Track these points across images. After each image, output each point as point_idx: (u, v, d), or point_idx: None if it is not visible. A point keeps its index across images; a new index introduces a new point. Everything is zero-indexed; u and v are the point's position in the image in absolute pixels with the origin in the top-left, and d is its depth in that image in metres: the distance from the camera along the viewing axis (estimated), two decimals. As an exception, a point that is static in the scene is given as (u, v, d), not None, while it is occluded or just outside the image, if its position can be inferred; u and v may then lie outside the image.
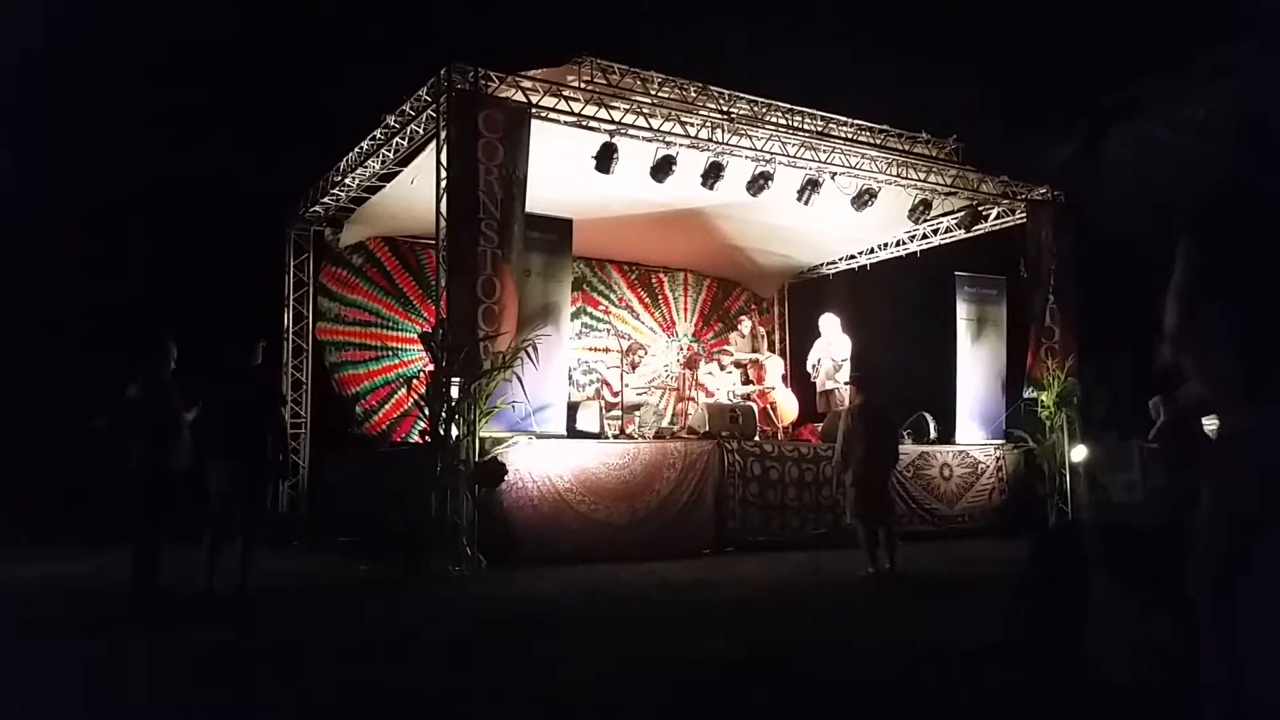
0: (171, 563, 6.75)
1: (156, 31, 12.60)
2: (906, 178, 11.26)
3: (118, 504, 7.13)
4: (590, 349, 14.05)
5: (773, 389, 12.48)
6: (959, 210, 12.28)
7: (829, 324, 12.38)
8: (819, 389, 12.34)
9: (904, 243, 13.77)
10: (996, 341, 12.48)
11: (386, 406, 12.48)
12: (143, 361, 6.94)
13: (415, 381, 10.76)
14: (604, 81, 9.48)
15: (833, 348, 12.22)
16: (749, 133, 10.18)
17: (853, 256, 14.73)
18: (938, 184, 11.52)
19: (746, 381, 12.65)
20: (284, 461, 7.36)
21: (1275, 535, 2.75)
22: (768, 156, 10.27)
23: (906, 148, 11.36)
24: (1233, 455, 2.85)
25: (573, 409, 9.90)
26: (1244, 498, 2.82)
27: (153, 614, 6.23)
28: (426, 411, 8.29)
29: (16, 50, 10.37)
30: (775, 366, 12.87)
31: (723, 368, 12.48)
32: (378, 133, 10.20)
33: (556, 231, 9.42)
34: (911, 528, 10.36)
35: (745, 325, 13.36)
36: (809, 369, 12.52)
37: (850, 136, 10.96)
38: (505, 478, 8.31)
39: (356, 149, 10.66)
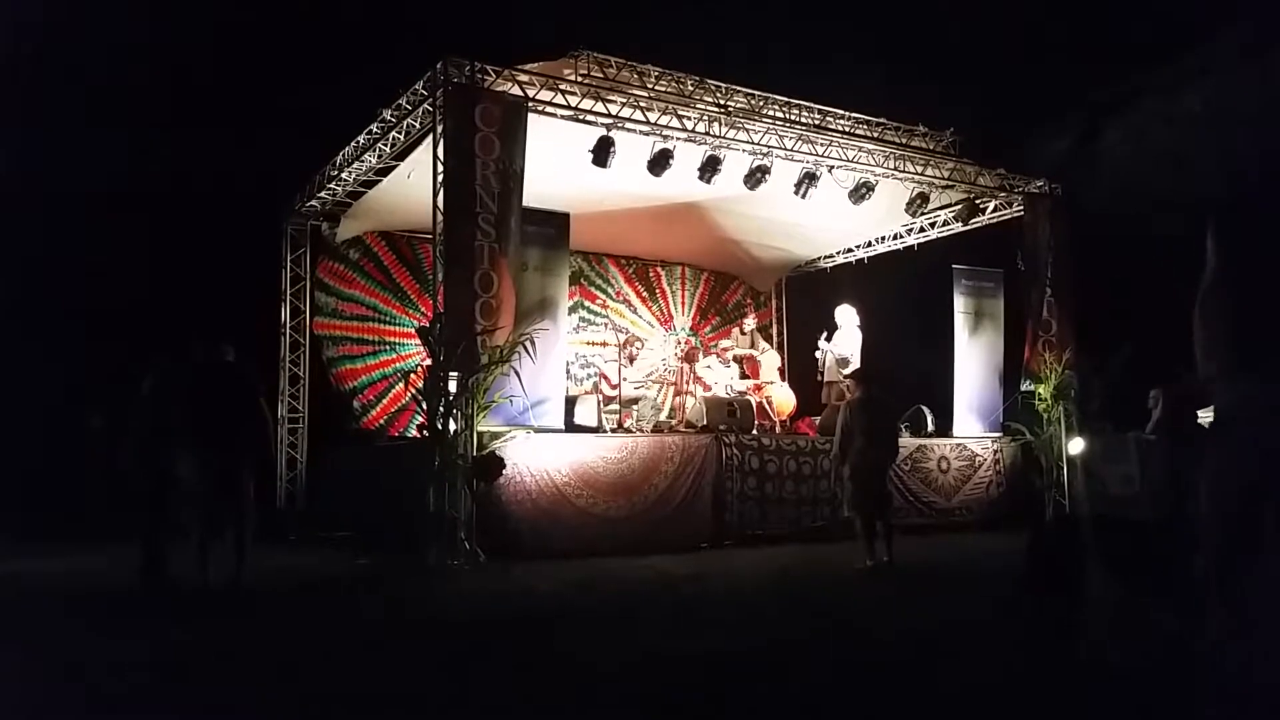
0: (172, 560, 6.76)
1: (153, 26, 12.56)
2: (904, 171, 11.24)
3: (119, 501, 7.15)
4: (588, 343, 14.04)
5: (770, 383, 12.49)
6: (956, 203, 12.27)
7: (844, 315, 12.31)
8: (824, 380, 12.33)
9: (901, 236, 13.77)
10: (994, 335, 12.48)
11: (384, 401, 12.47)
12: (154, 358, 6.95)
13: (413, 376, 10.77)
14: (601, 75, 9.46)
15: (838, 342, 12.18)
16: (746, 126, 10.16)
17: (850, 250, 14.73)
18: (935, 177, 11.51)
19: (744, 376, 12.67)
20: (261, 452, 7.19)
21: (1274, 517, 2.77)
22: (765, 150, 10.26)
23: (904, 141, 11.35)
24: (1228, 433, 2.88)
25: (570, 403, 9.90)
26: (1239, 474, 2.84)
27: (149, 610, 6.23)
28: (424, 406, 8.29)
29: (13, 46, 10.34)
30: (771, 361, 12.88)
31: (724, 362, 12.49)
32: (374, 127, 10.17)
33: (554, 225, 9.41)
34: (909, 521, 10.38)
35: (750, 322, 13.37)
36: (816, 355, 12.50)
37: (848, 129, 10.94)
38: (503, 472, 8.32)
39: (353, 143, 10.63)
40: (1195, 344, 2.93)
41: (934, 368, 12.45)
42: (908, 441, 11.16)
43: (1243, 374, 2.82)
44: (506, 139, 8.65)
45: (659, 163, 9.73)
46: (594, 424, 9.91)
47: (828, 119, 10.85)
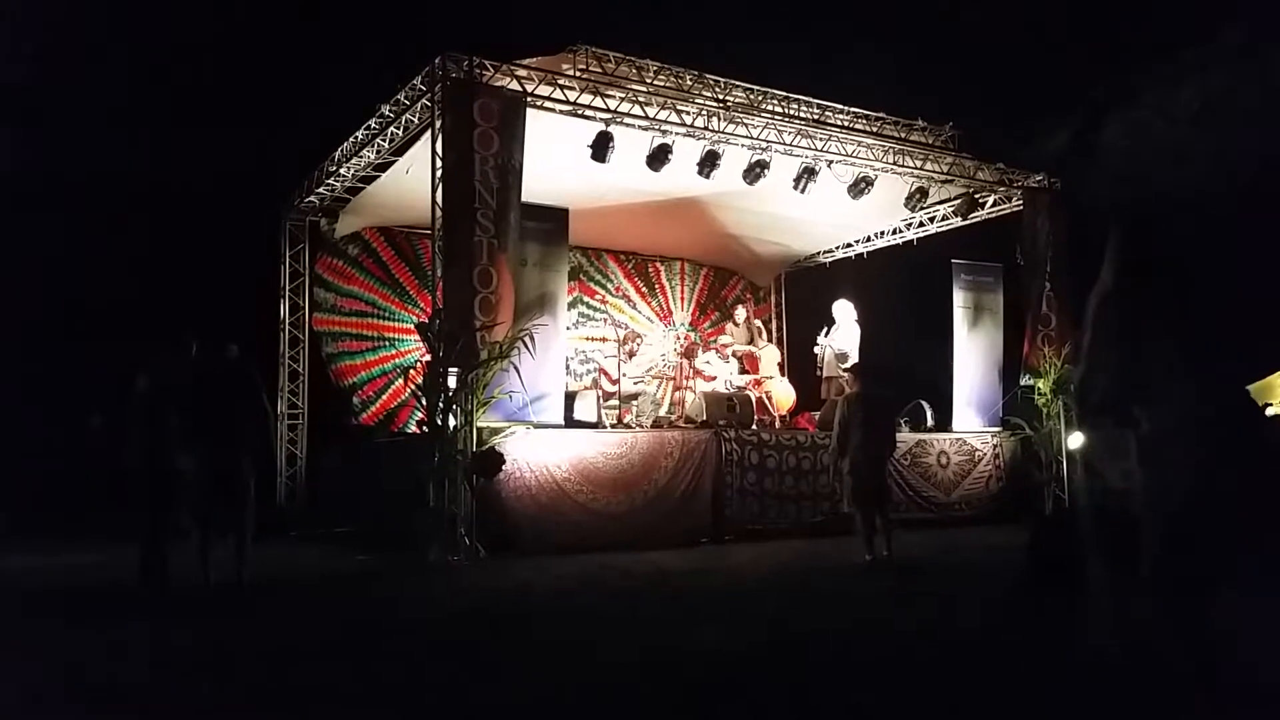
0: (173, 558, 6.77)
1: (154, 23, 12.55)
2: (903, 165, 11.24)
3: (121, 499, 7.15)
4: (587, 338, 14.03)
5: (770, 378, 12.48)
6: (955, 198, 12.26)
7: (842, 311, 12.32)
8: (823, 375, 12.33)
9: (900, 231, 13.76)
10: (993, 329, 12.48)
11: (384, 397, 12.48)
12: (156, 356, 6.95)
13: (412, 372, 10.75)
14: (599, 70, 9.44)
15: (837, 337, 12.18)
16: (745, 121, 10.15)
17: (849, 245, 14.71)
18: (934, 171, 11.50)
19: (744, 371, 12.66)
20: (263, 451, 7.18)
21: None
22: (764, 145, 10.24)
23: (903, 135, 11.33)
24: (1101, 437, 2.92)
25: (570, 399, 9.90)
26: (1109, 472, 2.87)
27: (150, 609, 6.24)
28: (424, 402, 8.30)
29: (16, 43, 10.34)
30: (771, 356, 12.88)
31: (723, 358, 12.49)
32: (373, 122, 10.15)
33: (553, 221, 9.40)
34: (908, 515, 10.39)
35: (740, 315, 13.37)
36: (815, 350, 12.50)
37: (847, 124, 10.93)
38: (503, 467, 8.32)
39: (351, 139, 10.61)
40: (1089, 346, 2.94)
41: (933, 362, 12.45)
42: (907, 436, 11.17)
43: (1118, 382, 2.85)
44: (505, 134, 8.64)
45: (658, 158, 9.72)
46: (594, 419, 9.91)
47: (827, 114, 10.84)
